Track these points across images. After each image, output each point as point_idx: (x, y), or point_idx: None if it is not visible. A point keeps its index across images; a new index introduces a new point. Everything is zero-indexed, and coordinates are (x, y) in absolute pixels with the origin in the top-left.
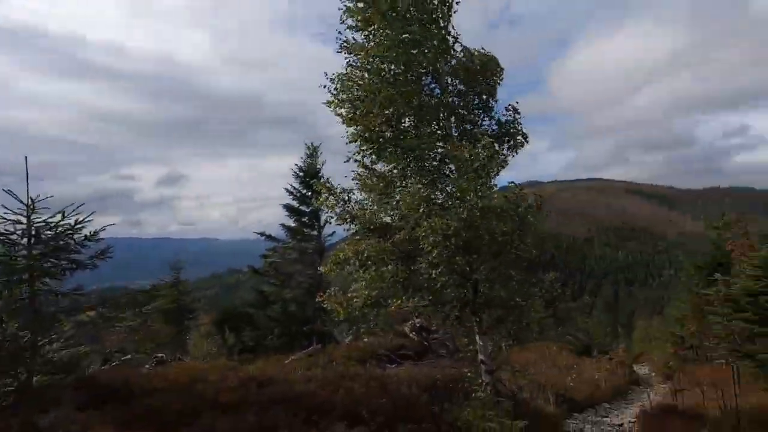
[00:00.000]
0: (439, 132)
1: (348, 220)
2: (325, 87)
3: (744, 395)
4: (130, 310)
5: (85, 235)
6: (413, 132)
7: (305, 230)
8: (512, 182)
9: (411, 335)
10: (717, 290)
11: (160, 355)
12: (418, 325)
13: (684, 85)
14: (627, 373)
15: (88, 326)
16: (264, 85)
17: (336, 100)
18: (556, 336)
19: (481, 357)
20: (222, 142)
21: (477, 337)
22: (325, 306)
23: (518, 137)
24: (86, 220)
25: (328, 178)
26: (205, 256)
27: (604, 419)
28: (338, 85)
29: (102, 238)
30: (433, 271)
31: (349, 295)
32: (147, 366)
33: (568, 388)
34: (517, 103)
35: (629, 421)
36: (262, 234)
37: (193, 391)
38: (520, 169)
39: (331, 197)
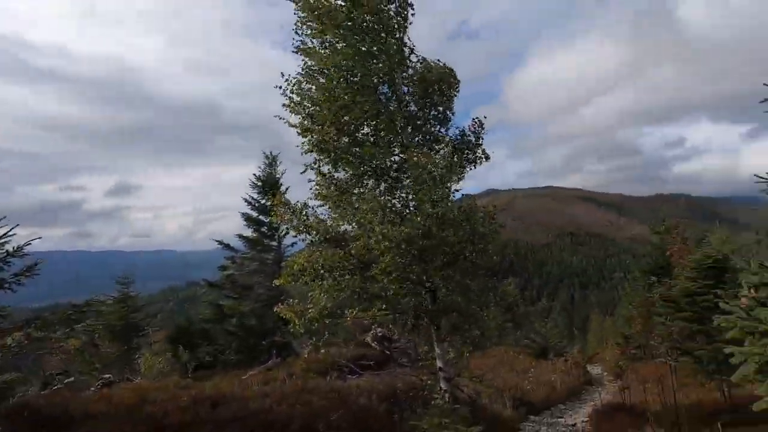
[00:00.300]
0: (396, 142)
1: (303, 230)
2: (280, 88)
3: (684, 390)
4: (61, 329)
5: (8, 251)
6: (370, 140)
7: (265, 241)
8: (466, 194)
9: (373, 345)
10: (659, 292)
11: (106, 376)
12: (379, 334)
13: (628, 99)
14: (581, 374)
15: (13, 349)
16: (223, 92)
17: (292, 103)
18: (514, 340)
19: (439, 364)
20: (179, 151)
21: (435, 345)
22: (282, 316)
23: (478, 152)
24: (8, 234)
25: (287, 188)
26: (162, 268)
27: (559, 420)
28: (294, 87)
29: (27, 254)
30: (386, 279)
31: (307, 305)
32: (92, 389)
33: (525, 392)
34: (485, 117)
35: (582, 421)
36: (220, 243)
37: (140, 414)
38: (479, 177)
39: (287, 210)
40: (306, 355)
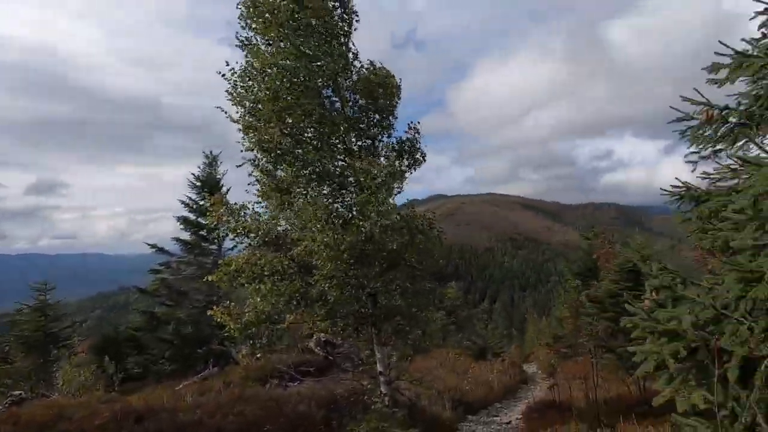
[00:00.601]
0: (340, 146)
1: (242, 233)
2: (223, 75)
3: (606, 386)
4: None
5: None
6: (314, 143)
7: (203, 244)
8: (408, 201)
9: (316, 350)
10: (587, 293)
11: (17, 392)
12: (323, 339)
13: (563, 113)
14: (517, 373)
15: None
16: (165, 88)
17: (235, 92)
18: (456, 342)
19: (379, 368)
20: (112, 147)
21: (376, 349)
22: (218, 320)
23: (417, 155)
24: None
25: (228, 189)
26: (89, 273)
27: (495, 419)
28: (237, 79)
29: None
30: (326, 284)
31: (244, 309)
32: (0, 407)
33: (464, 392)
34: (418, 123)
35: (516, 418)
36: (153, 246)
37: None
38: (426, 182)
39: (225, 211)
40: (245, 363)
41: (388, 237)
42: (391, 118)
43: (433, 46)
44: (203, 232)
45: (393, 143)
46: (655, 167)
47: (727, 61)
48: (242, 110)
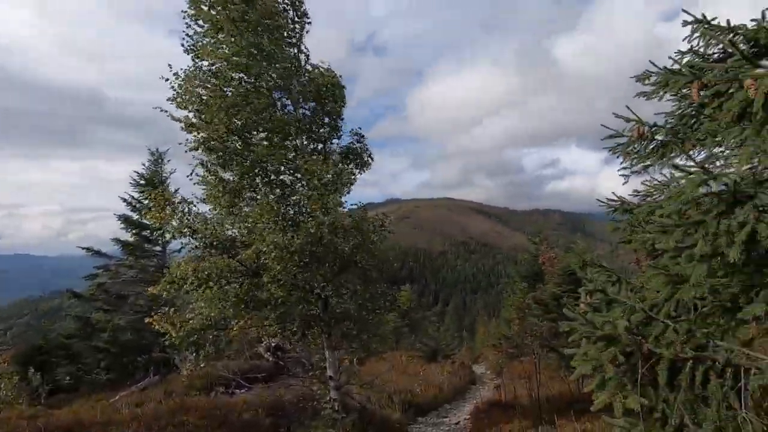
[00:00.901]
0: (290, 147)
1: (188, 234)
2: (167, 80)
3: (550, 384)
4: None
5: None
6: (265, 144)
7: (146, 245)
8: (358, 203)
9: (266, 356)
10: (533, 295)
11: None
12: (273, 345)
13: (513, 122)
14: (467, 374)
15: None
16: (108, 80)
17: (179, 99)
18: (409, 344)
19: (329, 373)
20: (47, 141)
21: (326, 353)
22: (156, 329)
23: (365, 157)
24: None
25: (176, 189)
26: (20, 276)
27: (444, 419)
28: (183, 83)
29: None
30: (273, 287)
31: (187, 315)
32: None
33: (415, 394)
34: (359, 128)
35: (464, 418)
36: (88, 249)
37: None
38: (382, 186)
39: (169, 210)
40: (189, 371)
41: (338, 238)
42: (338, 121)
43: (392, 51)
44: (146, 233)
45: (340, 145)
46: (596, 176)
47: (656, 78)
48: (188, 111)
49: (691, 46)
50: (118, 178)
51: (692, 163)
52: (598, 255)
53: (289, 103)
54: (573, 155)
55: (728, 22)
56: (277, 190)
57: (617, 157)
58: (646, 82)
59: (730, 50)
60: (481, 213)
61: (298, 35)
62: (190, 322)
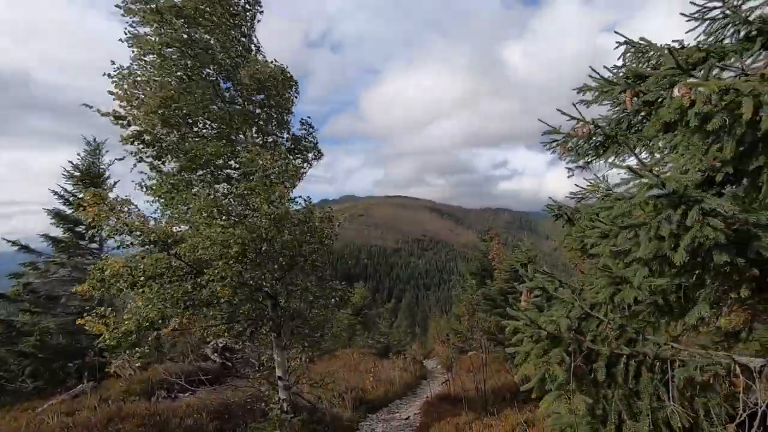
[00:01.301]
0: (236, 140)
1: (125, 232)
2: (108, 76)
3: (497, 376)
4: None
5: None
6: (209, 137)
7: (81, 242)
8: (305, 197)
9: (212, 357)
10: (482, 291)
11: None
12: (220, 345)
13: (465, 123)
14: (418, 369)
15: None
16: (37, 62)
17: (119, 92)
18: (362, 341)
19: (278, 373)
20: None
21: (275, 353)
22: (91, 330)
23: (313, 151)
24: None
25: (116, 182)
26: None
27: (395, 415)
28: (126, 74)
29: None
30: (216, 286)
31: (124, 316)
32: None
33: (366, 391)
34: (309, 117)
35: (414, 413)
36: (14, 243)
37: None
38: (338, 183)
39: (103, 206)
40: (128, 375)
41: (284, 234)
42: (285, 113)
43: (348, 48)
44: (81, 229)
45: (288, 138)
46: (543, 177)
47: (595, 85)
48: (126, 102)
49: (624, 62)
50: (48, 169)
51: (636, 165)
52: (543, 252)
53: (238, 95)
54: (521, 157)
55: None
56: (223, 184)
57: (551, 153)
58: (586, 91)
59: (661, 63)
60: (435, 211)
61: (249, 23)
62: (126, 323)
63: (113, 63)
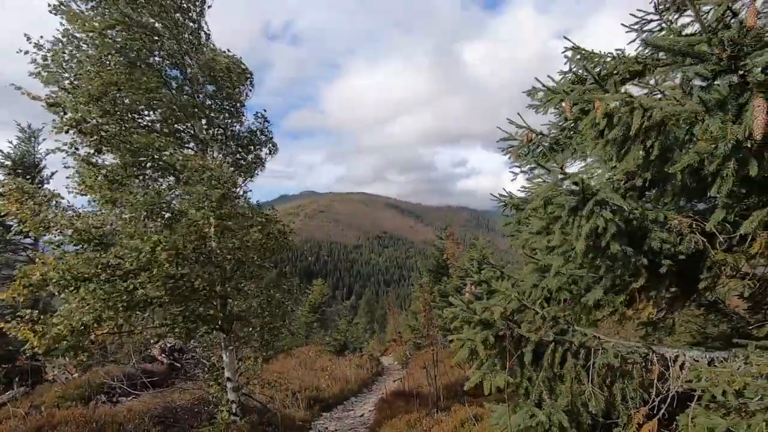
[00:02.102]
0: (186, 132)
1: (52, 227)
2: (26, 53)
3: (452, 372)
4: None
5: None
6: (158, 129)
7: (14, 237)
8: (256, 201)
9: (159, 358)
10: (438, 288)
11: None
12: (169, 345)
13: (426, 121)
14: (374, 366)
15: None
16: None
17: (47, 73)
18: (319, 339)
19: (227, 374)
20: None
21: (223, 354)
22: (18, 336)
23: (268, 145)
24: None
25: (53, 173)
26: None
27: (350, 413)
28: (50, 54)
29: None
30: (149, 287)
31: (54, 320)
32: None
33: (321, 389)
34: (264, 110)
35: (369, 410)
36: None
37: None
38: (299, 179)
39: (24, 199)
40: (65, 380)
41: (230, 234)
42: (239, 106)
43: (308, 42)
44: (12, 222)
45: (243, 133)
46: (499, 176)
47: (541, 94)
48: (55, 87)
49: (570, 67)
50: None
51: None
52: (499, 249)
53: (187, 84)
54: (479, 156)
55: (592, 51)
56: (171, 177)
57: (509, 157)
58: (534, 97)
59: (606, 69)
60: (395, 208)
61: (198, 9)
62: (58, 327)
63: (28, 39)
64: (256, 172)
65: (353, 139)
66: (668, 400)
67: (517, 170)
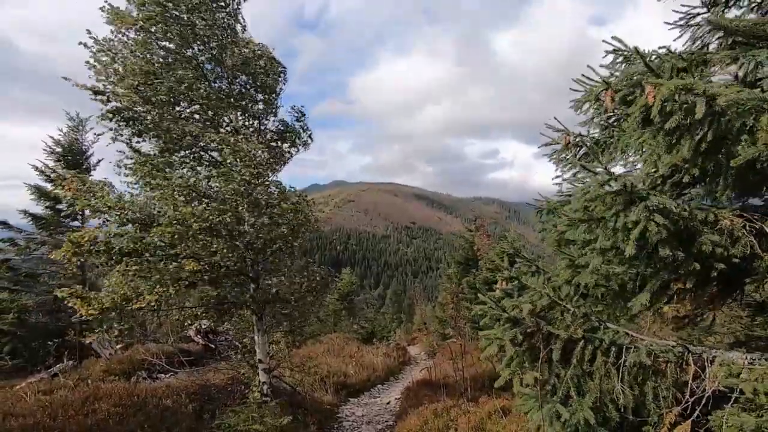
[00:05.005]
0: (221, 122)
1: (103, 211)
2: (85, 46)
3: (479, 364)
4: None
5: None
6: (194, 118)
7: (63, 220)
8: (285, 184)
9: (195, 339)
10: (467, 280)
11: None
12: (203, 327)
13: (455, 110)
14: (401, 355)
15: None
16: (17, 27)
17: (97, 65)
18: (347, 327)
19: (258, 356)
20: None
21: (256, 336)
22: (69, 304)
23: (303, 136)
24: None
25: (99, 160)
26: None
27: (376, 400)
28: (104, 47)
29: None
30: (193, 266)
31: (102, 292)
32: None
33: (348, 375)
34: (302, 106)
35: (395, 398)
36: None
37: None
38: (329, 169)
39: (82, 187)
40: (108, 355)
41: (256, 215)
42: (274, 97)
43: (338, 29)
44: (62, 206)
45: (276, 123)
46: (530, 168)
47: (581, 94)
48: (104, 79)
49: (612, 72)
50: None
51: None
52: (530, 243)
53: (225, 76)
54: (510, 146)
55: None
56: (208, 167)
57: (552, 163)
58: (572, 97)
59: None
60: (424, 199)
61: (235, 2)
62: (104, 299)
63: (89, 33)
64: (289, 159)
65: (381, 128)
66: (703, 401)
67: (559, 180)
